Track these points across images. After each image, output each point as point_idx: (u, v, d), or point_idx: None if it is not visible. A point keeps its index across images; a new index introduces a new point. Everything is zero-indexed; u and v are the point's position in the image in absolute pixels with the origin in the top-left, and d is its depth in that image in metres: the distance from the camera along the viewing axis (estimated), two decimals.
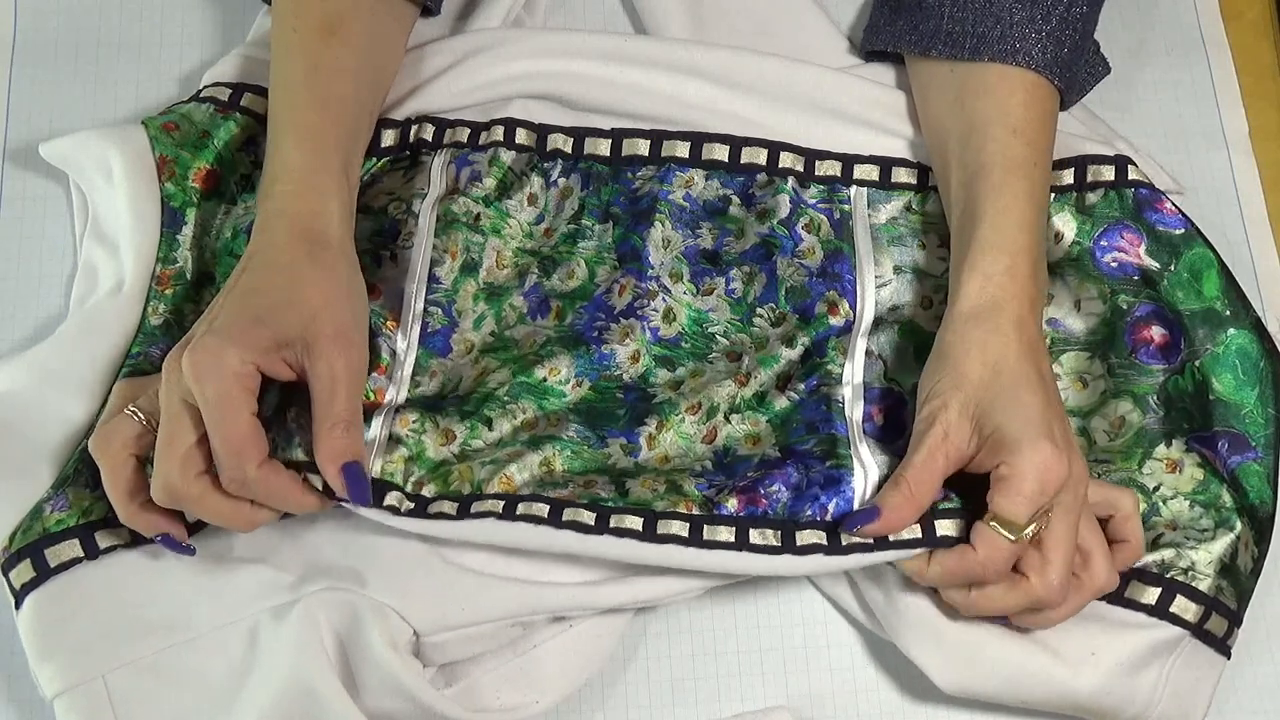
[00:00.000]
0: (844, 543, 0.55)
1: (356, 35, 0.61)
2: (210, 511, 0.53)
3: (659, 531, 0.55)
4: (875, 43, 0.67)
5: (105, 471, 0.54)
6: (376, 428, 0.57)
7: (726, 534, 0.55)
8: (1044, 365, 0.56)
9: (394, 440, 0.57)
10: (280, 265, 0.55)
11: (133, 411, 0.55)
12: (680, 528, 0.55)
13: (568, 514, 0.55)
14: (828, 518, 0.55)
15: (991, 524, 0.53)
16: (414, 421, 0.58)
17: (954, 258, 0.60)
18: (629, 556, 0.55)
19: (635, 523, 0.55)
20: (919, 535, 0.54)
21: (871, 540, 0.54)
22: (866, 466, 0.57)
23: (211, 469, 0.53)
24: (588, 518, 0.55)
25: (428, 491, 0.56)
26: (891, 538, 0.55)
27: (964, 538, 0.54)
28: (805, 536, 0.55)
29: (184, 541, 0.55)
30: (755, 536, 0.55)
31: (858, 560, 0.55)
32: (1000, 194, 0.58)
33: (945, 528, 0.55)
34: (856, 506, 0.56)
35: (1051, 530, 0.53)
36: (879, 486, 0.56)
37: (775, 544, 0.55)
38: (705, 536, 0.55)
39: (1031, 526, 0.53)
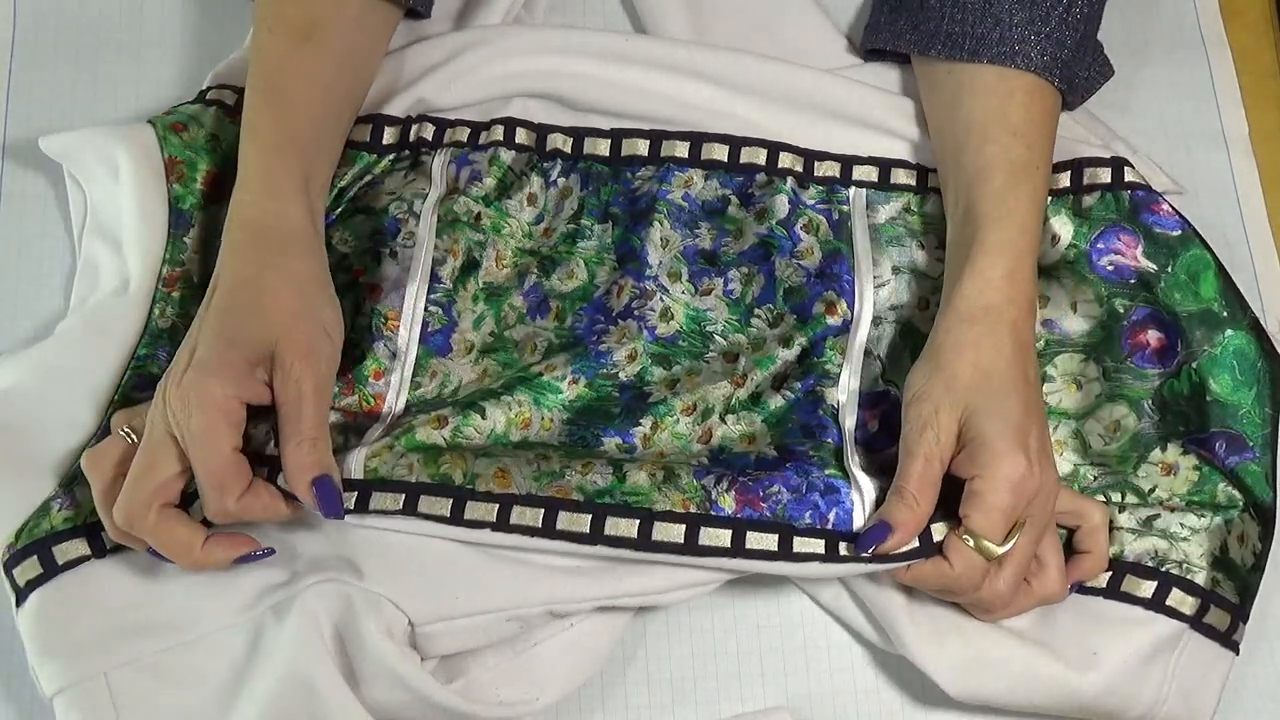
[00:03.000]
0: (842, 553, 0.55)
1: (334, 41, 0.61)
2: (161, 543, 0.53)
3: (654, 538, 0.55)
4: (875, 41, 0.67)
5: (95, 489, 0.55)
6: (374, 433, 0.58)
7: (722, 538, 0.55)
8: (1031, 371, 0.56)
9: (384, 436, 0.57)
10: (245, 279, 0.56)
11: (126, 433, 0.55)
12: (676, 532, 0.55)
13: (562, 521, 0.55)
14: (828, 526, 0.55)
15: (965, 538, 0.53)
16: (408, 417, 0.58)
17: (952, 257, 0.60)
18: (625, 558, 0.56)
19: (630, 528, 0.55)
20: (917, 545, 0.55)
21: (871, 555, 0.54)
22: (858, 479, 0.57)
23: (176, 502, 0.53)
24: (582, 523, 0.55)
25: (416, 475, 0.56)
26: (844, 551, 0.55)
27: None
28: (802, 544, 0.55)
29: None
30: (752, 540, 0.55)
31: (854, 569, 0.55)
32: (1003, 197, 0.58)
33: (939, 532, 0.55)
34: (856, 518, 0.55)
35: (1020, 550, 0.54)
36: (877, 498, 0.56)
37: (772, 549, 0.55)
38: (701, 541, 0.55)
39: (1009, 543, 0.53)
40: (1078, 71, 0.63)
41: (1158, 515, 0.59)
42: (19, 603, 0.56)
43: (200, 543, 0.53)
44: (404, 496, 0.55)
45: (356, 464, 0.56)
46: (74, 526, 0.57)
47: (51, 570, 0.56)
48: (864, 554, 0.54)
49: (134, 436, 0.55)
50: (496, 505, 0.55)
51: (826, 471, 0.57)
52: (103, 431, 0.58)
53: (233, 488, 0.52)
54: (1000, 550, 0.53)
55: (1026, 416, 0.54)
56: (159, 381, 0.54)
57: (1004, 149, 0.59)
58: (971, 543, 0.53)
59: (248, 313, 0.54)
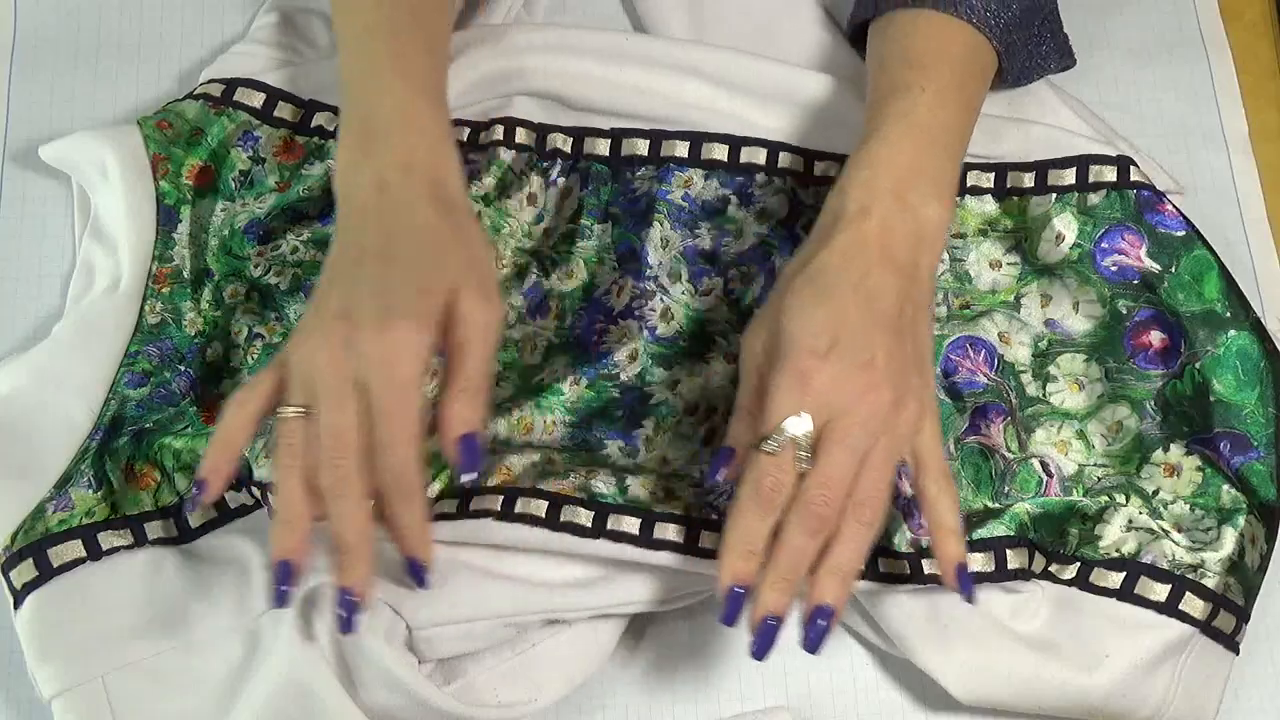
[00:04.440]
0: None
1: None
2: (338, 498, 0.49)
3: (655, 536, 0.55)
4: (850, 24, 0.66)
5: (229, 425, 0.51)
6: None
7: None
8: (882, 279, 0.52)
9: None
10: (417, 227, 0.52)
11: (297, 410, 0.50)
12: (676, 532, 0.55)
13: (565, 514, 0.55)
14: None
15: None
16: None
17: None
18: (624, 557, 0.56)
19: (632, 525, 0.55)
20: (907, 573, 0.55)
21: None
22: None
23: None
24: (585, 518, 0.55)
25: (431, 490, 0.56)
26: (883, 569, 0.55)
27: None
28: None
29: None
30: None
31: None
32: (873, 116, 0.57)
33: (934, 566, 0.54)
34: None
35: (824, 449, 0.49)
36: None
37: None
38: (700, 544, 0.55)
39: (784, 427, 0.49)
40: (1018, 38, 0.61)
41: (1168, 517, 0.59)
42: (16, 606, 0.56)
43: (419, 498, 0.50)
44: None
45: None
46: (69, 529, 0.56)
47: (47, 573, 0.56)
48: (715, 480, 0.52)
49: (303, 412, 0.50)
50: (501, 496, 0.56)
51: None
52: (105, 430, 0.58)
53: (424, 433, 0.49)
54: (768, 443, 0.49)
55: (839, 312, 0.51)
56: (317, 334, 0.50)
57: (895, 77, 0.57)
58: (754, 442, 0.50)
59: (429, 262, 0.51)
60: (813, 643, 0.50)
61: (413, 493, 0.50)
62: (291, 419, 0.50)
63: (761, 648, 0.50)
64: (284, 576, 0.50)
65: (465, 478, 0.50)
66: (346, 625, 0.50)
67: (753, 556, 0.50)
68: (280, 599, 0.50)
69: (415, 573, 0.52)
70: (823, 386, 0.49)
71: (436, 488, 0.57)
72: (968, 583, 0.52)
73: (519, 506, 0.55)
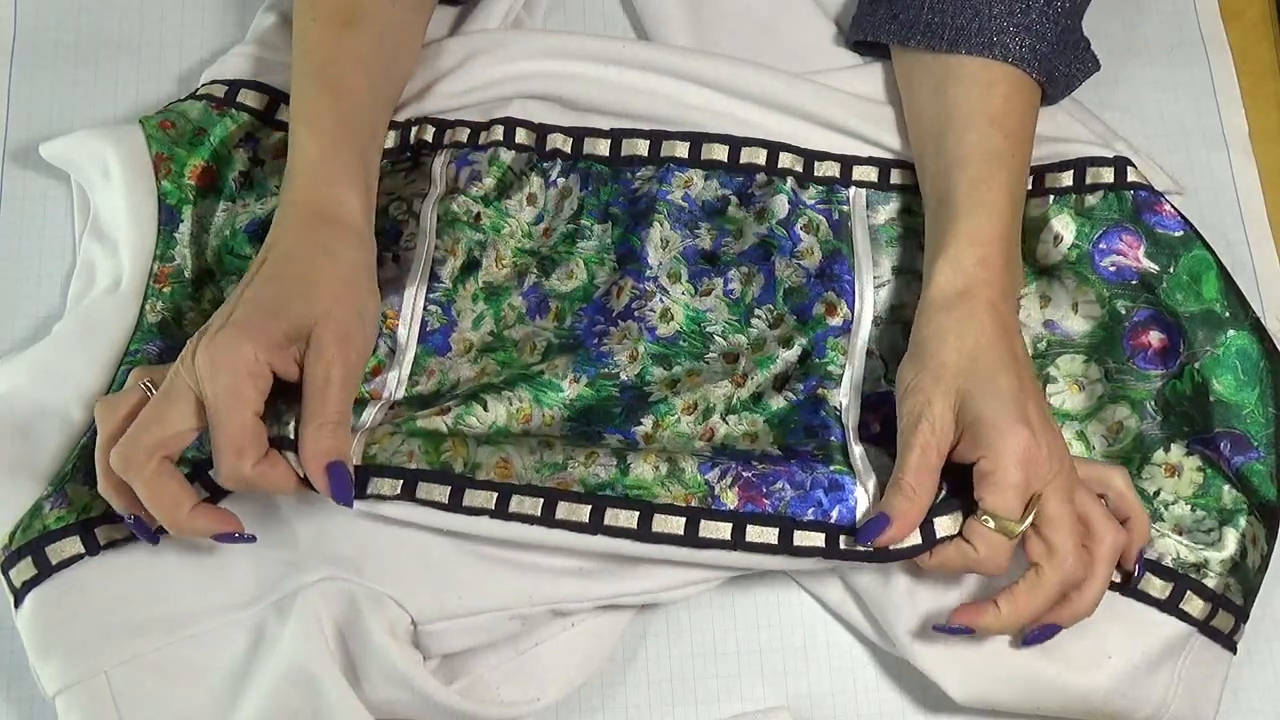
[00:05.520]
0: (842, 547, 0.55)
1: (374, 26, 0.61)
2: (152, 494, 0.52)
3: (654, 529, 0.55)
4: (858, 33, 0.67)
5: (101, 433, 0.54)
6: (368, 416, 0.58)
7: (723, 531, 0.55)
8: (1018, 347, 0.56)
9: (384, 423, 0.57)
10: (295, 256, 0.56)
11: (145, 385, 0.54)
12: (676, 524, 0.55)
13: (561, 511, 0.55)
14: (831, 520, 0.55)
15: (984, 519, 0.53)
16: (405, 409, 0.58)
17: (929, 248, 0.60)
18: (624, 552, 0.55)
19: (630, 519, 0.55)
20: (919, 541, 0.54)
21: (871, 548, 0.54)
22: (861, 474, 0.56)
23: (175, 460, 0.53)
24: (582, 514, 0.55)
25: (416, 463, 0.55)
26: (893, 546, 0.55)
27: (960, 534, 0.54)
28: (803, 538, 0.55)
29: (152, 529, 0.54)
30: (752, 534, 0.55)
31: (853, 563, 0.55)
32: (976, 186, 0.58)
33: (944, 526, 0.54)
34: (858, 513, 0.55)
35: (1045, 513, 0.53)
36: (878, 493, 0.55)
37: (772, 542, 0.55)
38: (701, 534, 0.55)
39: (1029, 519, 0.53)
40: (1058, 65, 0.63)
41: (1169, 518, 0.59)
42: (16, 604, 0.56)
43: (189, 506, 0.52)
44: (401, 483, 0.55)
45: (355, 449, 0.55)
46: (66, 525, 0.56)
47: (46, 570, 0.56)
48: (865, 545, 0.54)
49: (152, 390, 0.54)
50: (496, 494, 0.55)
51: (831, 467, 0.56)
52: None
53: (250, 453, 0.52)
54: (1020, 526, 0.53)
55: (1021, 390, 0.54)
56: (188, 341, 0.53)
57: (983, 137, 0.59)
58: (992, 524, 0.53)
59: (294, 289, 0.54)
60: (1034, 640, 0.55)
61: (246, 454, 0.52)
62: (138, 390, 0.55)
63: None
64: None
65: (340, 505, 0.53)
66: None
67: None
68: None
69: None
70: (1038, 463, 0.53)
71: (424, 462, 0.56)
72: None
73: (513, 505, 0.55)
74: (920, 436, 0.54)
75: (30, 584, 0.56)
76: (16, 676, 0.58)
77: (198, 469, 0.57)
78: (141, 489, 0.52)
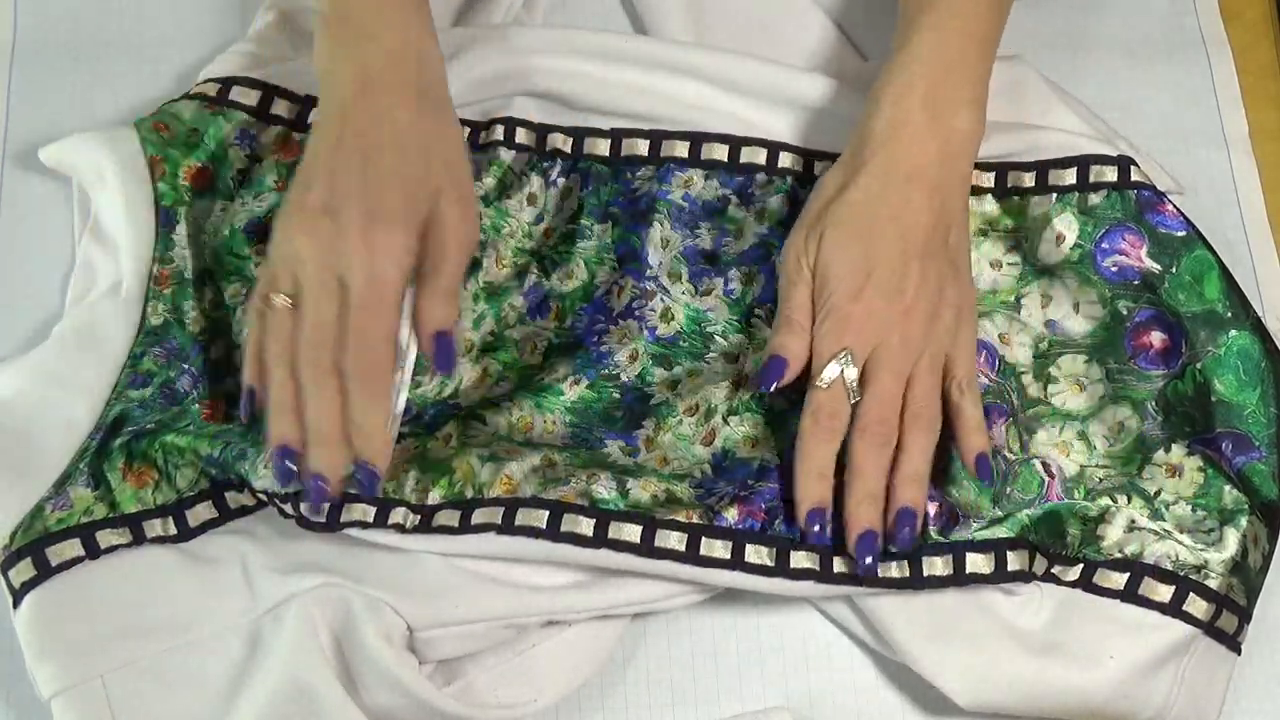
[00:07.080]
0: (835, 571, 0.55)
1: None
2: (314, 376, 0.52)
3: (656, 545, 0.55)
4: None
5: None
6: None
7: (722, 550, 0.55)
8: (912, 206, 0.55)
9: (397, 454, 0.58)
10: (401, 128, 0.53)
11: (286, 301, 0.53)
12: (678, 540, 0.55)
13: (566, 523, 0.55)
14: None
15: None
16: (415, 436, 0.58)
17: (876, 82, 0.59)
18: (626, 567, 0.56)
19: (633, 533, 0.55)
20: (907, 575, 0.55)
21: (860, 573, 0.55)
22: None
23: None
24: (586, 527, 0.55)
25: (432, 498, 0.56)
26: (881, 574, 0.55)
27: (952, 575, 0.55)
28: (799, 559, 0.56)
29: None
30: (751, 554, 0.55)
31: (848, 590, 0.56)
32: (909, 31, 0.57)
33: (933, 566, 0.55)
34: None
35: (866, 373, 0.54)
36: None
37: (769, 564, 0.55)
38: (702, 552, 0.55)
39: (830, 368, 0.54)
40: None
41: (1170, 518, 0.59)
42: (15, 605, 0.56)
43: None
44: (419, 517, 0.56)
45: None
46: (67, 528, 0.56)
47: (45, 572, 0.56)
48: (767, 389, 0.56)
49: (289, 300, 0.53)
50: (502, 509, 0.56)
51: None
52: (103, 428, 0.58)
53: (391, 341, 0.52)
54: (821, 378, 0.54)
55: (872, 247, 0.54)
56: (284, 224, 0.53)
57: None
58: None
59: (414, 164, 0.53)
60: (905, 542, 0.54)
61: (379, 393, 0.52)
62: (281, 309, 0.52)
63: (865, 560, 0.54)
64: (285, 459, 0.53)
65: (441, 374, 0.53)
66: (316, 513, 0.53)
67: (824, 479, 0.55)
68: (285, 477, 0.53)
69: (365, 477, 0.53)
70: (860, 325, 0.54)
71: (438, 495, 0.57)
72: (987, 471, 0.56)
73: (520, 518, 0.55)
74: (789, 270, 0.56)
75: (29, 585, 0.56)
76: (15, 677, 0.58)
77: (216, 486, 0.58)
78: (307, 373, 0.52)
